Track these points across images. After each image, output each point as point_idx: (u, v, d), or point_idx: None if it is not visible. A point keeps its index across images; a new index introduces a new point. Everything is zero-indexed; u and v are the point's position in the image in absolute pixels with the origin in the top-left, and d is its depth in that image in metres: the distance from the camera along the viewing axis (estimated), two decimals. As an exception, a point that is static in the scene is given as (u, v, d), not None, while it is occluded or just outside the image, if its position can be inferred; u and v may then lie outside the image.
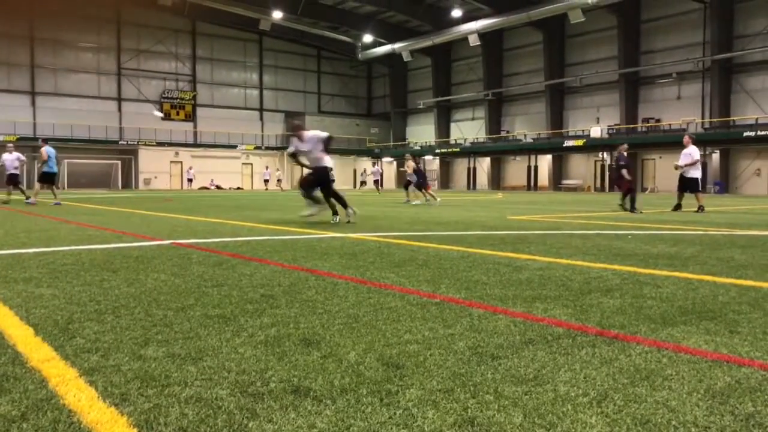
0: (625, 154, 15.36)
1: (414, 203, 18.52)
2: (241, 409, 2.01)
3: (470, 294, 4.00)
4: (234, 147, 54.79)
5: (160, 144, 51.28)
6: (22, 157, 18.62)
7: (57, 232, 8.55)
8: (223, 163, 53.27)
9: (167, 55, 54.09)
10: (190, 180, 47.54)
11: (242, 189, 49.07)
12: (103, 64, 51.15)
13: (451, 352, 2.69)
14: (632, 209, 14.19)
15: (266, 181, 47.13)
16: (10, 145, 18.67)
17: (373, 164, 40.25)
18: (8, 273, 4.74)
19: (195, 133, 54.93)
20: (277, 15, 47.71)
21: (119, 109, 51.85)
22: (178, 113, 54.51)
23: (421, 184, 19.53)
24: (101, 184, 48.43)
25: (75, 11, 48.41)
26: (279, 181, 46.39)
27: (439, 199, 18.69)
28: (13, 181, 18.20)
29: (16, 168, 18.31)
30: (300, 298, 3.84)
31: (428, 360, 2.57)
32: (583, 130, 46.09)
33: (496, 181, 53.07)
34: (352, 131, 62.14)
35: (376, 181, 38.47)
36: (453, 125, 58.29)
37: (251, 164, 54.97)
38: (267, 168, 47.87)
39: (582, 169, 47.79)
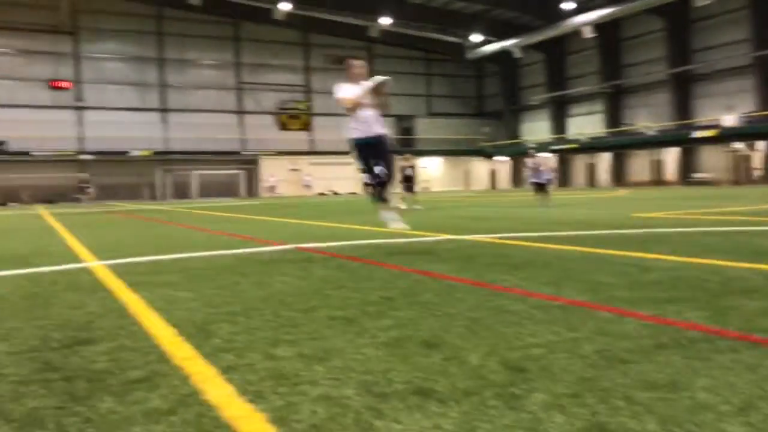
0: None
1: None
2: (368, 409, 2.06)
3: (595, 296, 3.86)
4: (347, 153, 56.12)
5: (279, 153, 53.57)
6: None
7: (189, 239, 9.17)
8: (338, 170, 54.77)
9: (283, 68, 56.40)
10: (307, 186, 49.05)
11: (357, 194, 50.17)
12: (225, 80, 54.24)
13: (577, 356, 2.61)
14: None
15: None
16: None
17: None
18: (151, 278, 5.14)
19: (311, 142, 56.86)
20: (386, 21, 48.42)
21: (241, 122, 54.70)
22: (294, 123, 56.67)
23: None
24: (227, 193, 51.31)
25: (198, 31, 51.78)
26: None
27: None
28: None
29: None
30: (418, 300, 3.88)
31: (553, 364, 2.51)
32: (713, 120, 42.97)
33: (618, 177, 50.67)
34: (463, 131, 61.79)
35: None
36: (569, 120, 56.40)
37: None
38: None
39: (714, 161, 44.53)
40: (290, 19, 49.42)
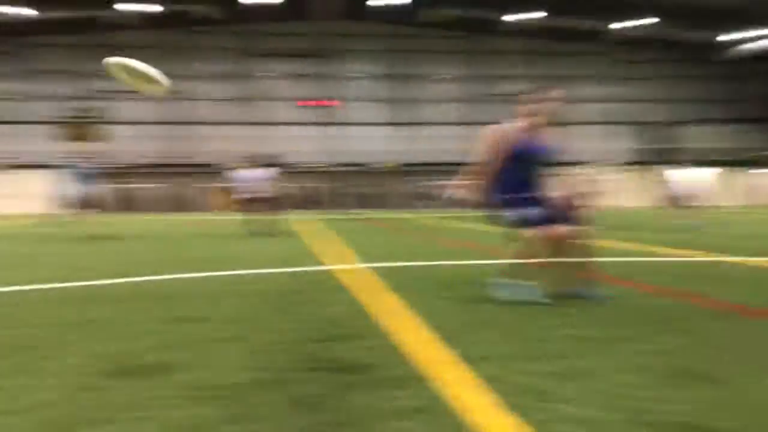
0: None
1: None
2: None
3: None
4: (583, 163, 53.68)
5: (512, 164, 53.37)
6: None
7: (429, 247, 9.47)
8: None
9: (522, 77, 56.00)
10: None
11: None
12: (456, 93, 55.74)
13: None
14: None
15: None
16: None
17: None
18: (407, 282, 5.33)
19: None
20: (633, 23, 45.34)
21: (472, 134, 55.47)
22: (529, 133, 55.97)
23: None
24: (460, 202, 52.33)
25: (430, 47, 54.01)
26: None
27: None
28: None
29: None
30: (686, 327, 3.49)
31: None
32: None
33: None
34: (731, 140, 55.13)
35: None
36: None
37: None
38: None
39: None
40: (530, 29, 48.99)
